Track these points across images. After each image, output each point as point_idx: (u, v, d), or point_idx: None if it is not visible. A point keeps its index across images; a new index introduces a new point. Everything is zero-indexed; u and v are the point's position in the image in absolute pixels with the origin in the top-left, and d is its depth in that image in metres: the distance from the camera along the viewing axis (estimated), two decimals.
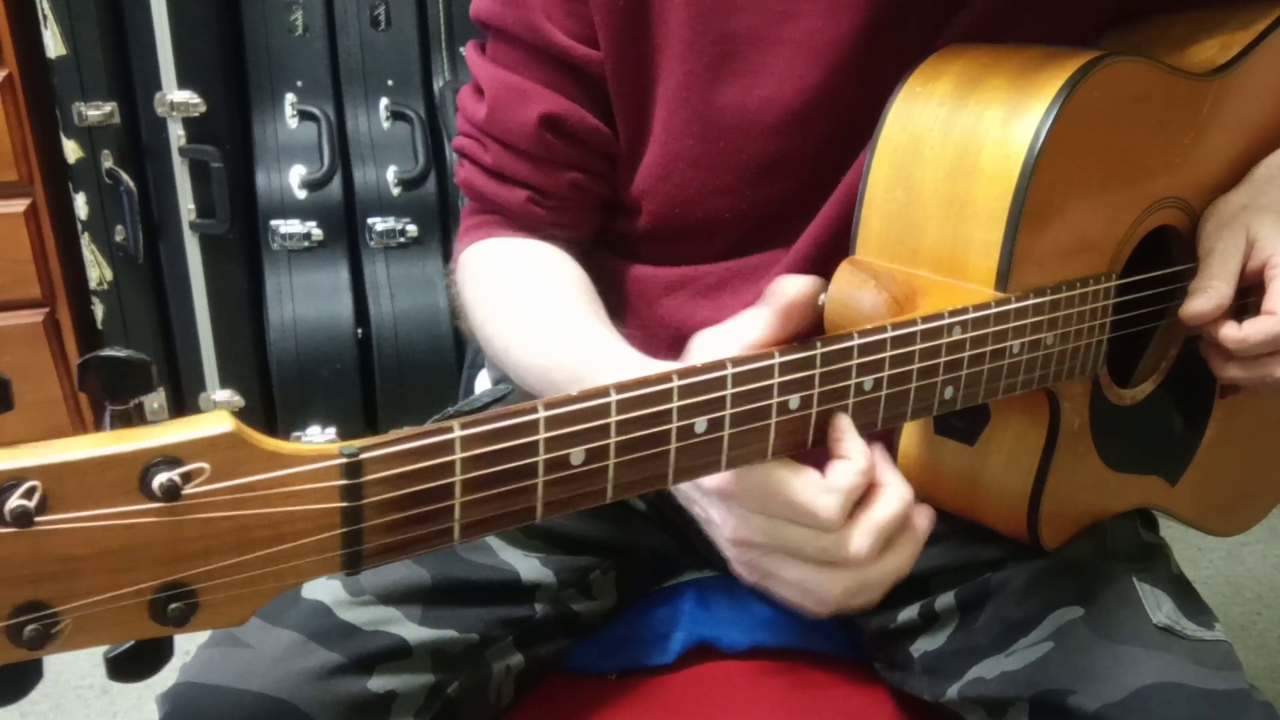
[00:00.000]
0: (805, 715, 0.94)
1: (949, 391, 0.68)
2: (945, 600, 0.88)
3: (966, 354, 0.67)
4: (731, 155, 0.84)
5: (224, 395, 2.28)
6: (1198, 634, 0.81)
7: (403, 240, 2.21)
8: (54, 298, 2.11)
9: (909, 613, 0.90)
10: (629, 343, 0.78)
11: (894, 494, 0.63)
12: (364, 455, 0.46)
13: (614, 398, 0.52)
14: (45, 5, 1.96)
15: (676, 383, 0.54)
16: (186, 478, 0.42)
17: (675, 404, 0.54)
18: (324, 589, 0.83)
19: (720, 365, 0.55)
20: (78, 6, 1.97)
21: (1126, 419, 0.85)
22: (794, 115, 0.82)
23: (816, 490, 0.60)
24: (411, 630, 0.82)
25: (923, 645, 0.89)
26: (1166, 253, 0.85)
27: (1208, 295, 0.79)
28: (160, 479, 0.41)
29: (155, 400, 2.25)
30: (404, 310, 2.16)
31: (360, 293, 2.22)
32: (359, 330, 2.21)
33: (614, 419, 0.52)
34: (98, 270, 2.15)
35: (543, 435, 0.50)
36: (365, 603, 0.82)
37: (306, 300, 2.20)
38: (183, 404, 2.30)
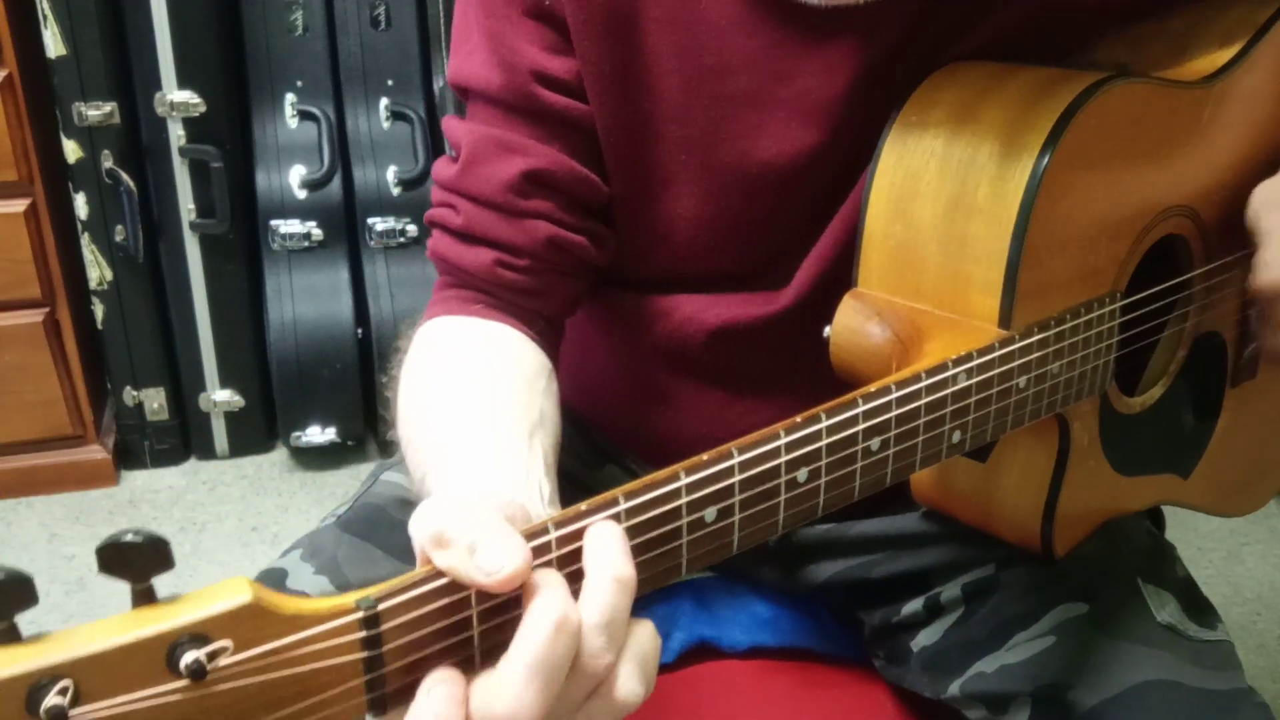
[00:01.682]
0: (806, 716, 0.94)
1: (956, 436, 0.67)
2: (951, 592, 0.88)
3: (973, 399, 0.67)
4: (732, 215, 0.83)
5: (224, 395, 2.29)
6: (1200, 634, 0.82)
7: (403, 240, 2.21)
8: (54, 298, 2.11)
9: (913, 605, 0.90)
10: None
11: None
12: (381, 606, 0.47)
13: (623, 506, 0.52)
14: (45, 5, 1.96)
15: (684, 480, 0.54)
16: (211, 656, 0.42)
17: (684, 500, 0.54)
18: (308, 581, 0.83)
19: (726, 454, 0.55)
20: (78, 6, 1.97)
21: (1136, 425, 0.84)
22: (793, 174, 0.81)
23: None
24: None
25: (922, 640, 0.89)
26: (1172, 259, 0.84)
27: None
28: (186, 659, 0.42)
29: (155, 400, 2.26)
30: (404, 310, 2.17)
31: (360, 293, 2.22)
32: (359, 330, 2.21)
33: (623, 526, 0.52)
34: (98, 270, 2.15)
35: (555, 553, 0.51)
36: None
37: (306, 300, 2.20)
38: (183, 404, 2.30)
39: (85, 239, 2.12)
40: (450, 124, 0.86)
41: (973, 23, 0.79)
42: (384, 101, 2.20)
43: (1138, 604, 0.82)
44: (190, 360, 2.27)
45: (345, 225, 2.22)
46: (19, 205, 2.02)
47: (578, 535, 0.51)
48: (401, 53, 2.19)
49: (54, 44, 1.99)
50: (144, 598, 0.43)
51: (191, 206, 2.14)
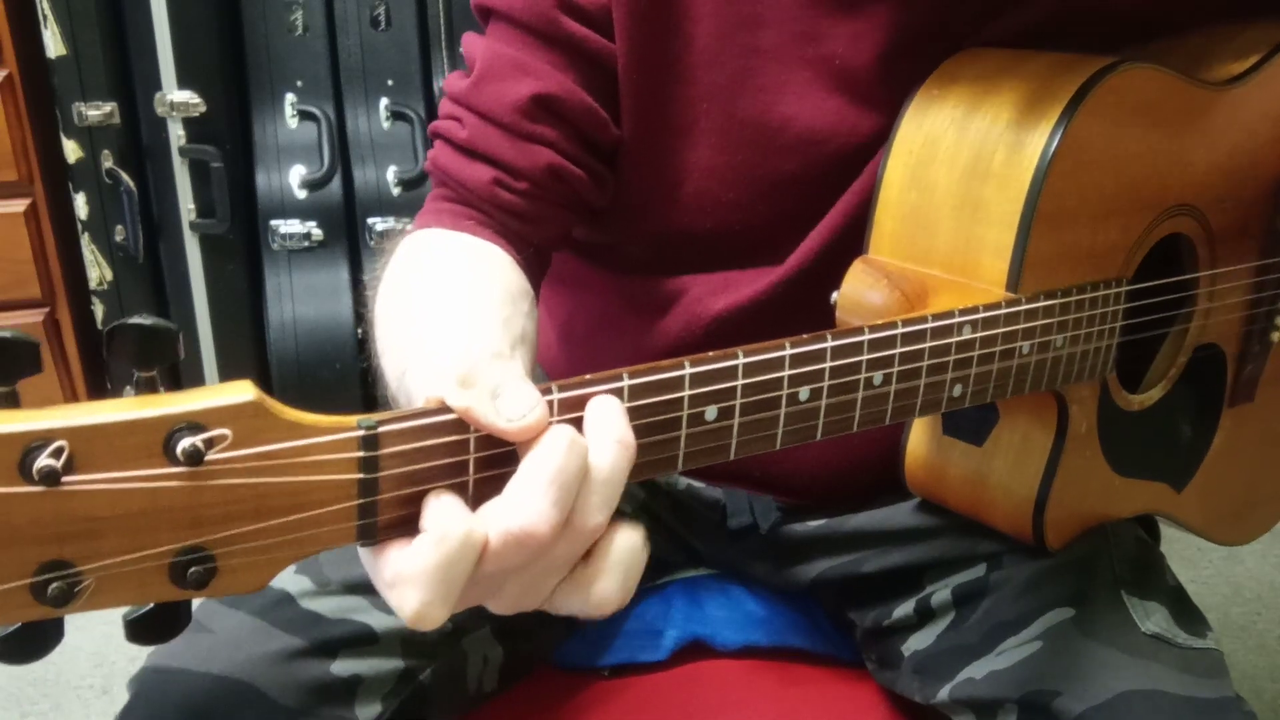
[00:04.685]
0: (797, 715, 0.94)
1: (958, 389, 0.68)
2: (941, 596, 0.88)
3: (976, 353, 0.68)
4: (748, 169, 0.83)
5: None
6: (1189, 642, 0.81)
7: None
8: (54, 298, 2.11)
9: (904, 609, 0.90)
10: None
11: None
12: (381, 429, 0.46)
13: (626, 383, 0.52)
14: (45, 5, 1.96)
15: (688, 370, 0.54)
16: (209, 443, 0.42)
17: (686, 392, 0.54)
18: (289, 579, 0.83)
19: (732, 354, 0.56)
20: (78, 6, 1.98)
21: (1134, 424, 0.85)
22: (812, 135, 0.81)
23: None
24: (378, 618, 0.81)
25: (914, 644, 0.89)
26: (1177, 260, 0.85)
27: None
28: (184, 444, 0.42)
29: None
30: None
31: (361, 293, 2.22)
32: (359, 330, 2.21)
33: (625, 405, 0.52)
34: (98, 270, 2.15)
35: (557, 417, 0.50)
36: (330, 592, 0.82)
37: (306, 300, 2.20)
38: None
39: (85, 239, 2.12)
40: (469, 39, 0.86)
41: (1001, 10, 0.80)
42: (384, 101, 2.20)
43: (1123, 612, 0.82)
44: (190, 360, 2.25)
45: (345, 225, 2.21)
46: (19, 205, 2.03)
47: (579, 403, 0.51)
48: (401, 53, 2.19)
49: (54, 44, 1.99)
50: (148, 386, 0.43)
51: (191, 206, 2.14)
